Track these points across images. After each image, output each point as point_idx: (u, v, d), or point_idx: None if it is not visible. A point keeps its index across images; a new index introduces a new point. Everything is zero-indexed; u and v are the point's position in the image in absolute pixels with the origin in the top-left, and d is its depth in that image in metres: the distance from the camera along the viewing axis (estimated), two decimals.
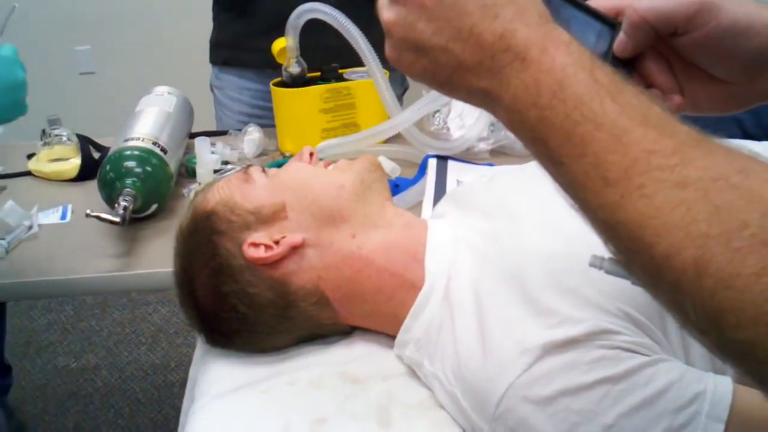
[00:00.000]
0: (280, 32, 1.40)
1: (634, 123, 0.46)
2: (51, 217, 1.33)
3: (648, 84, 0.61)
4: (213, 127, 1.76)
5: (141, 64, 3.46)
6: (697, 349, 0.77)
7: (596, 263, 0.57)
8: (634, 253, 0.46)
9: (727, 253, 0.41)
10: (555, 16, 0.52)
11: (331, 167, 0.97)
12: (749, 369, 0.43)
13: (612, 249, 0.49)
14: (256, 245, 0.87)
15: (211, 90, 1.81)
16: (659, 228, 0.44)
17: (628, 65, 0.60)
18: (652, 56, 0.61)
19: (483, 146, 1.49)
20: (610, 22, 0.60)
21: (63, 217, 1.34)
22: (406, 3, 0.52)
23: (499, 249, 0.85)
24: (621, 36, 0.59)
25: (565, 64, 0.48)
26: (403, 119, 1.39)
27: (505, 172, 1.06)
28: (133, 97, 1.52)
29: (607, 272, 0.57)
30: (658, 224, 0.44)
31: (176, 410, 2.22)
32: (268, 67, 1.51)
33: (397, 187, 1.33)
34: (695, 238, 0.42)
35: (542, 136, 0.49)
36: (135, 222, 1.26)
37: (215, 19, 1.76)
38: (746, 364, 0.42)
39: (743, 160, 0.44)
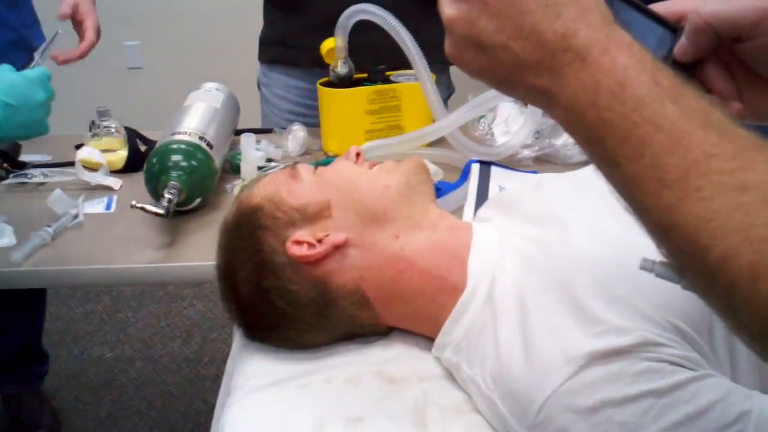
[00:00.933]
0: (330, 31, 1.41)
1: (694, 126, 0.46)
2: (96, 206, 1.35)
3: (707, 90, 0.60)
4: (258, 125, 1.77)
5: (188, 61, 3.50)
6: (744, 365, 0.75)
7: (647, 266, 0.57)
8: (688, 255, 0.45)
9: None
10: (615, 18, 0.51)
11: (376, 168, 0.97)
12: None
13: (665, 252, 0.48)
14: (299, 243, 0.88)
15: (258, 88, 1.82)
16: (716, 231, 0.43)
17: (688, 70, 0.59)
18: (713, 62, 0.61)
19: (527, 153, 1.48)
20: (671, 27, 0.59)
21: (108, 207, 1.36)
22: (468, 0, 0.52)
23: (546, 255, 0.84)
24: (682, 40, 0.59)
25: (626, 66, 0.48)
26: (448, 123, 1.38)
27: (551, 179, 1.05)
28: (180, 93, 1.54)
29: (658, 276, 0.56)
30: (715, 227, 0.43)
31: (207, 404, 2.25)
32: (317, 66, 1.52)
33: (439, 191, 1.33)
34: (753, 242, 0.42)
35: (599, 136, 0.49)
36: (178, 215, 1.28)
37: (266, 16, 1.77)
38: None
39: None
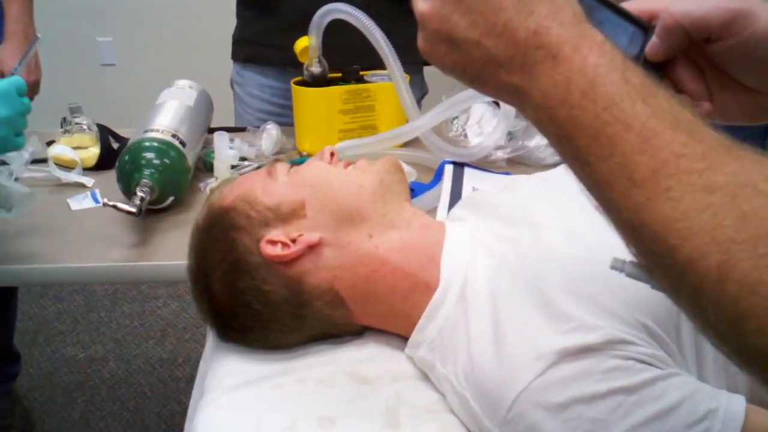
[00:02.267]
0: (303, 31, 1.41)
1: (664, 126, 0.46)
2: (83, 202, 1.34)
3: (678, 89, 0.61)
4: (232, 123, 1.76)
5: (161, 58, 3.48)
6: (711, 364, 0.76)
7: (617, 266, 0.57)
8: (657, 255, 0.45)
9: (753, 260, 0.41)
10: (588, 16, 0.52)
11: (351, 167, 0.97)
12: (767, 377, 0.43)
13: (634, 251, 0.48)
14: (273, 243, 0.87)
15: (232, 86, 1.82)
16: (684, 231, 0.43)
17: (658, 69, 0.60)
18: (684, 62, 0.61)
19: (500, 155, 1.49)
20: (643, 25, 0.59)
21: (95, 201, 1.35)
22: None
23: (517, 253, 0.85)
24: (654, 39, 0.59)
25: (597, 64, 0.48)
26: (422, 124, 1.39)
27: (523, 179, 1.06)
28: (153, 91, 1.53)
29: (628, 275, 0.56)
30: (683, 227, 0.44)
31: (182, 405, 2.24)
32: (290, 65, 1.52)
33: (412, 191, 1.33)
34: (720, 242, 0.42)
35: (570, 134, 0.49)
36: (151, 213, 1.27)
37: (239, 15, 1.76)
38: (765, 371, 0.42)
39: None
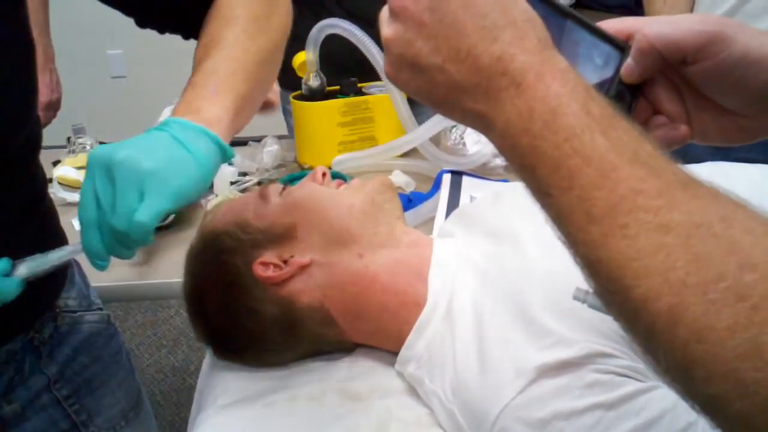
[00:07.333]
0: (347, 69, 1.44)
1: (622, 160, 0.45)
2: None
3: (656, 110, 0.60)
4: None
5: (172, 70, 3.50)
6: None
7: (580, 297, 0.57)
8: (612, 293, 0.45)
9: (702, 305, 0.40)
10: (565, 37, 0.50)
11: (343, 187, 0.98)
12: (717, 423, 0.41)
13: (592, 287, 0.47)
14: (265, 264, 0.89)
15: (285, 117, 1.86)
16: (639, 271, 0.42)
17: (635, 90, 0.59)
18: (662, 82, 0.60)
19: (498, 162, 1.50)
20: (619, 45, 0.58)
21: None
22: (405, 20, 0.51)
23: (500, 269, 0.86)
24: (629, 61, 0.58)
25: (560, 94, 0.47)
26: (420, 134, 1.40)
27: (510, 191, 1.06)
28: (163, 102, 1.54)
29: (590, 306, 0.56)
30: (638, 267, 0.42)
31: None
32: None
33: (410, 201, 1.35)
34: (672, 285, 0.41)
35: (532, 164, 0.48)
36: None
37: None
38: (715, 417, 0.41)
39: (729, 207, 0.43)
